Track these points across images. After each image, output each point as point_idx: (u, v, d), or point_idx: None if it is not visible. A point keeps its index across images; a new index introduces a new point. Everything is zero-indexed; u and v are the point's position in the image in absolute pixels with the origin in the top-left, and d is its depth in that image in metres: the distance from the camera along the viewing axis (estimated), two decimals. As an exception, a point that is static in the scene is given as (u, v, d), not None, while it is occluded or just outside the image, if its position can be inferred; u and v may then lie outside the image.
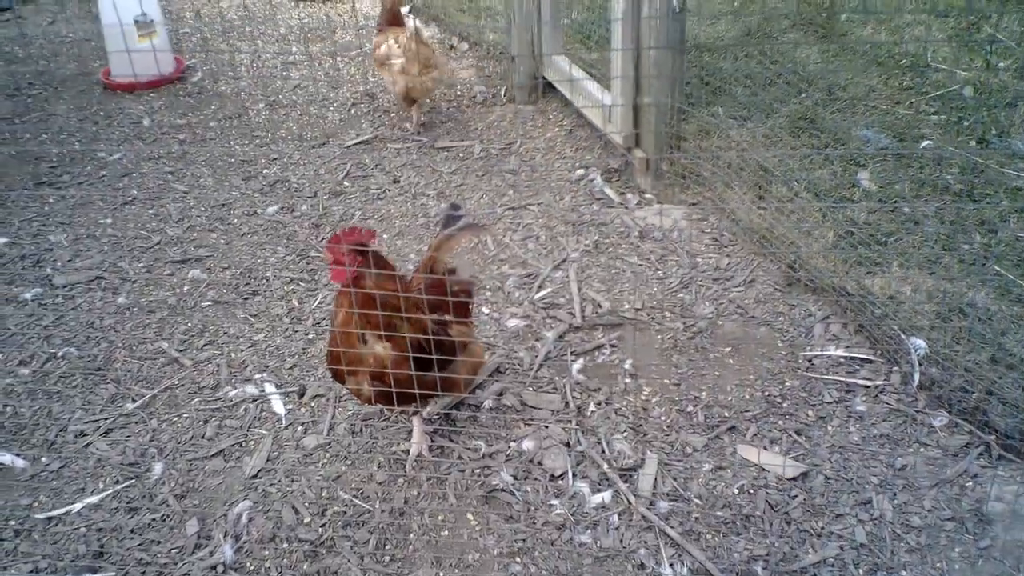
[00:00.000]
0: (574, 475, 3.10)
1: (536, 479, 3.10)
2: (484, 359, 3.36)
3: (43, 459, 3.39)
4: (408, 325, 2.84)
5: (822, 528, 2.85)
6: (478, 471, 3.15)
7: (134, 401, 3.64)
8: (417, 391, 2.85)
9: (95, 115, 6.39)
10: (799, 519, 2.88)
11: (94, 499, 3.18)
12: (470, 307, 3.26)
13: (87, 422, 3.55)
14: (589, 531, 2.90)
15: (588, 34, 6.27)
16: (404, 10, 7.74)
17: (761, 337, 3.69)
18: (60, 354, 3.96)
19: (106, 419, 3.55)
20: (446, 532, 2.95)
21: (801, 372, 3.48)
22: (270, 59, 7.21)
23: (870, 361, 3.48)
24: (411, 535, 2.94)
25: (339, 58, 7.11)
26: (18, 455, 3.41)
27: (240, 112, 6.25)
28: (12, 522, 3.12)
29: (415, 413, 3.22)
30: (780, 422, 3.26)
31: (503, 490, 3.06)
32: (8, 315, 4.26)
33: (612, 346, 3.72)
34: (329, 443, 3.33)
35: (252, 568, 2.87)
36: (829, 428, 3.22)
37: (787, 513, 2.91)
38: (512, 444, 3.24)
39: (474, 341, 3.19)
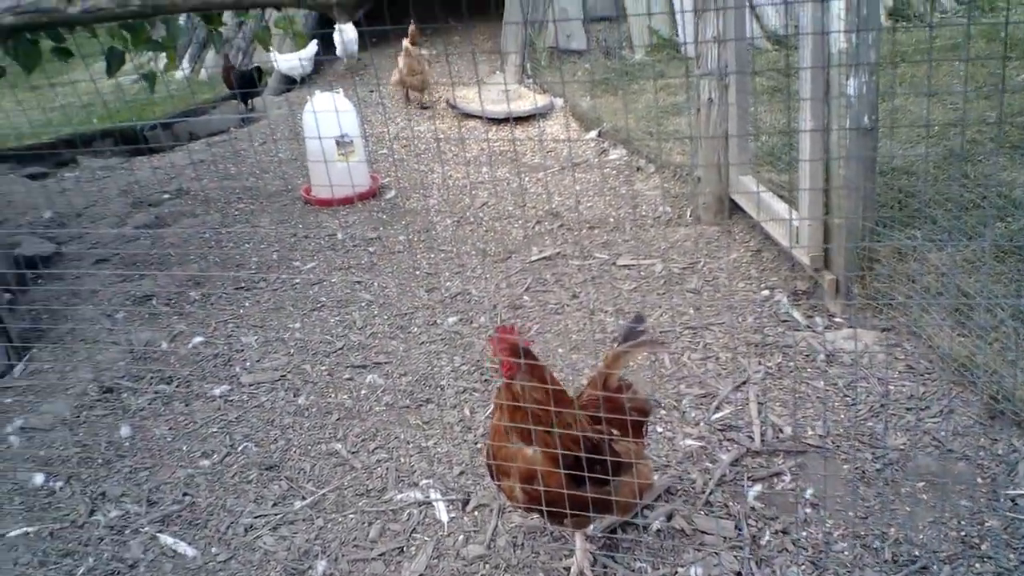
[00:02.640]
0: (746, 607, 2.89)
1: (704, 609, 2.91)
2: (652, 481, 3.20)
3: (213, 549, 3.45)
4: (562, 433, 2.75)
5: None
6: (642, 595, 2.98)
7: (304, 499, 3.67)
8: (569, 505, 2.74)
9: (294, 227, 6.73)
10: (1002, 677, 2.57)
11: (256, 593, 3.20)
12: (644, 427, 3.14)
13: (257, 516, 3.60)
14: (760, 670, 2.67)
15: (777, 156, 6.17)
16: (592, 134, 7.90)
17: (959, 473, 3.39)
18: (240, 449, 4.07)
19: (276, 515, 3.60)
20: (605, 657, 2.78)
21: (1003, 512, 3.15)
22: (460, 179, 7.44)
23: (1086, 505, 3.13)
24: (568, 657, 2.79)
25: (526, 178, 7.25)
26: (191, 544, 3.49)
27: (428, 228, 6.43)
28: (177, 610, 3.17)
29: (577, 529, 3.10)
30: (978, 565, 2.95)
31: (668, 617, 2.88)
32: (196, 409, 4.43)
33: (793, 473, 3.50)
34: (489, 554, 3.23)
35: (403, 677, 2.78)
36: (1037, 576, 2.88)
37: (987, 668, 2.60)
38: (679, 569, 3.06)
39: (643, 462, 3.05)
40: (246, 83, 10.54)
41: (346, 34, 11.44)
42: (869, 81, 4.19)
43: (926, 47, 8.99)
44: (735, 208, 5.77)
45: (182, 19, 11.99)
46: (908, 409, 3.78)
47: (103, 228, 7.07)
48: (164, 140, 9.53)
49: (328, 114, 6.63)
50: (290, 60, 11.25)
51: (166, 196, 7.81)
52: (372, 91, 10.72)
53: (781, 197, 5.22)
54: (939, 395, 3.83)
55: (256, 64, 11.26)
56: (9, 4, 1.55)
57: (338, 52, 11.69)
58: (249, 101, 10.98)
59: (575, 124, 8.56)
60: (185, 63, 12.82)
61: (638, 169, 7.03)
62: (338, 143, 6.89)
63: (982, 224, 4.82)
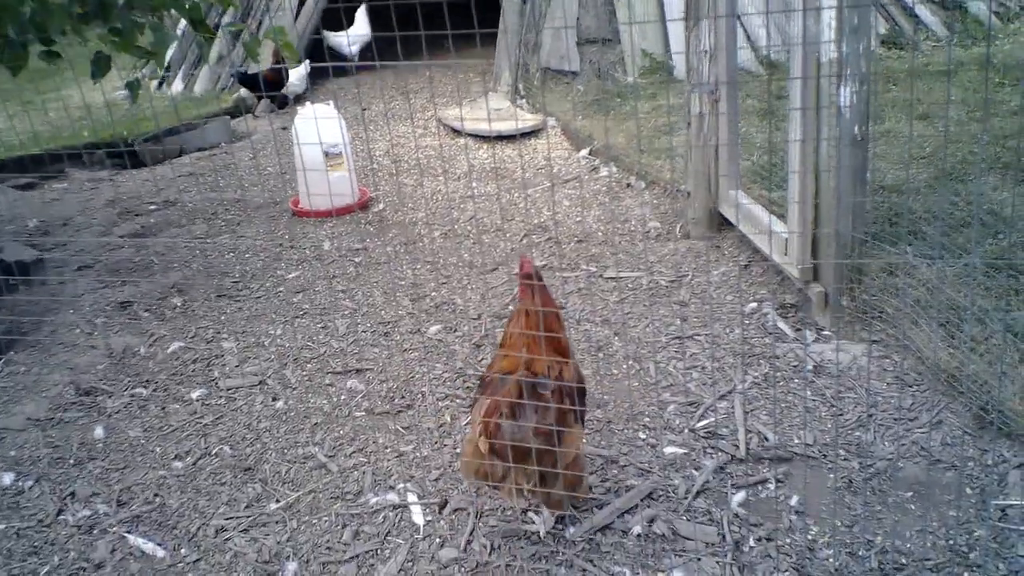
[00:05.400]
0: (727, 613, 2.81)
1: (684, 614, 2.82)
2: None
3: (182, 550, 3.36)
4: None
5: None
6: (621, 599, 2.89)
7: (277, 502, 3.59)
8: None
9: (280, 238, 6.68)
10: None
11: (224, 594, 3.11)
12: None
13: (229, 518, 3.51)
14: (740, 675, 2.58)
15: (767, 174, 6.14)
16: (583, 152, 7.86)
17: (947, 482, 3.32)
18: (214, 451, 3.98)
19: (248, 517, 3.51)
20: (580, 661, 2.69)
21: (992, 522, 3.08)
22: (449, 193, 7.39)
23: (1076, 515, 3.06)
24: (542, 661, 2.70)
25: (515, 194, 7.21)
26: (160, 544, 3.40)
27: (415, 240, 6.38)
28: (142, 609, 3.08)
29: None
30: (966, 573, 2.87)
31: (646, 621, 2.80)
32: (173, 412, 4.35)
33: (778, 481, 3.42)
34: (465, 557, 3.15)
35: None
36: (1025, 585, 2.81)
37: (975, 677, 2.51)
38: (660, 574, 2.98)
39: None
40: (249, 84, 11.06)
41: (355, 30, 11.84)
42: (860, 91, 4.16)
43: (918, 72, 9.00)
44: (724, 223, 5.72)
45: (180, 27, 12.05)
46: (896, 419, 3.71)
47: (88, 237, 7.01)
48: (154, 154, 9.47)
49: (318, 122, 6.61)
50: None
51: (152, 207, 7.75)
52: (365, 109, 10.71)
53: (771, 211, 5.18)
54: (928, 406, 3.77)
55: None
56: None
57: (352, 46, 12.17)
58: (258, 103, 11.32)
59: (567, 143, 8.53)
60: (179, 81, 12.79)
61: (628, 186, 6.99)
62: (327, 154, 6.85)
63: (973, 241, 4.78)
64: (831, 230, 4.33)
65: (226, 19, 11.98)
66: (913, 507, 3.22)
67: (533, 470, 2.90)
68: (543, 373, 2.95)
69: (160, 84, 13.02)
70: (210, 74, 12.55)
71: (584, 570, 3.02)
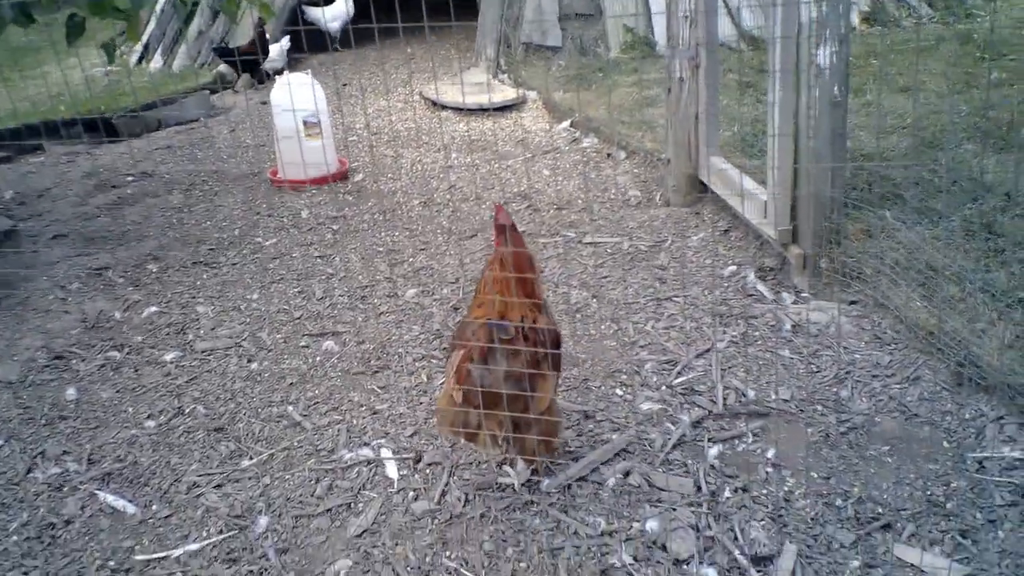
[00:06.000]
0: (701, 560, 2.78)
1: (658, 562, 2.80)
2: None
3: (153, 506, 3.32)
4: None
5: (990, 639, 2.43)
6: (594, 548, 2.87)
7: (251, 459, 3.55)
8: None
9: (258, 207, 6.62)
10: (963, 627, 2.47)
11: (195, 547, 3.07)
12: None
13: (202, 475, 3.48)
14: (714, 620, 2.56)
15: (748, 143, 6.12)
16: (564, 124, 7.82)
17: (924, 437, 3.31)
18: (187, 411, 3.94)
19: (221, 473, 3.47)
20: (554, 608, 2.67)
21: (969, 474, 3.07)
22: (429, 164, 7.35)
23: (1051, 465, 3.05)
24: (515, 608, 2.68)
25: (495, 164, 7.16)
26: (131, 501, 3.36)
27: (394, 208, 6.33)
28: (111, 562, 3.04)
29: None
30: (943, 523, 2.86)
31: (620, 568, 2.77)
32: (146, 374, 4.30)
33: (755, 435, 3.40)
34: (439, 510, 3.12)
35: (342, 626, 2.66)
36: (1000, 532, 2.79)
37: (948, 620, 2.50)
38: (635, 524, 2.96)
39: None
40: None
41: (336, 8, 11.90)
42: (839, 51, 4.13)
43: (900, 48, 9.01)
44: (704, 190, 5.70)
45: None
46: (874, 376, 3.70)
47: (64, 207, 6.93)
48: (132, 127, 9.37)
49: (297, 90, 6.56)
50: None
51: (130, 179, 7.67)
52: (345, 84, 10.64)
53: (748, 175, 5.15)
54: (905, 363, 3.75)
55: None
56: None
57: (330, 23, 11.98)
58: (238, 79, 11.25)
59: (547, 116, 8.49)
60: (158, 57, 12.66)
61: (608, 156, 6.96)
62: (306, 123, 6.79)
63: (953, 206, 4.78)
64: (810, 192, 4.31)
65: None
66: (890, 460, 3.21)
67: (505, 417, 2.88)
68: (515, 319, 2.92)
69: (139, 60, 12.89)
70: (189, 50, 12.43)
71: (558, 521, 3.00)
